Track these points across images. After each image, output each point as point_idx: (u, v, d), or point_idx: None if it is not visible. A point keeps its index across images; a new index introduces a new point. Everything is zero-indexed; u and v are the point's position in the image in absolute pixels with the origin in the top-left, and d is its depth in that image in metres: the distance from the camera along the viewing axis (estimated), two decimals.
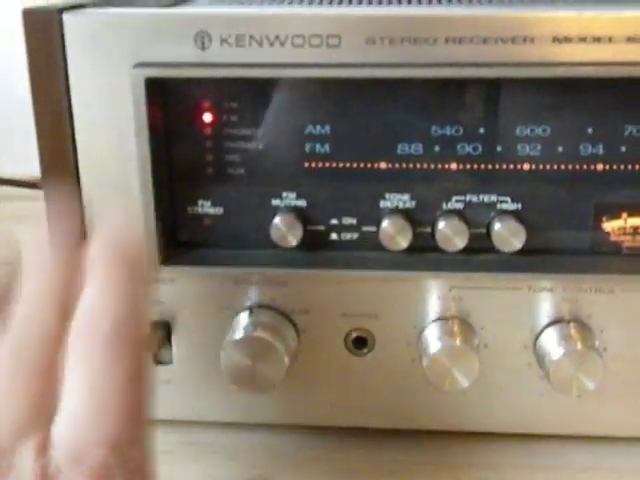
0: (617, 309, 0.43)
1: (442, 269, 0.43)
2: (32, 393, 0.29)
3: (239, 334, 0.43)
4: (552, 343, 0.43)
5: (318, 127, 0.43)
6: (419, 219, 0.43)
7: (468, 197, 0.43)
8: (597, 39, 0.39)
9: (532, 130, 0.42)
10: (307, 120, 0.43)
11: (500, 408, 0.46)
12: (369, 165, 0.43)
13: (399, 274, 0.44)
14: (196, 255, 0.45)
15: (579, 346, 0.42)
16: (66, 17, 0.40)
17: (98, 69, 0.41)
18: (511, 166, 0.43)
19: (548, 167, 0.42)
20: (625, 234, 0.44)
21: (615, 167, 0.42)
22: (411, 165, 0.43)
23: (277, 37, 0.40)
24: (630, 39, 0.39)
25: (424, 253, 0.43)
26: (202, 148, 0.43)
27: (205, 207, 0.44)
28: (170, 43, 0.40)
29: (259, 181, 0.44)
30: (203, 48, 0.40)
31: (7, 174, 0.88)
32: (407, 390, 0.46)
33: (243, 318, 0.44)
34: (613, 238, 0.44)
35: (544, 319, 0.44)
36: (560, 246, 0.44)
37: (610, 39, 0.39)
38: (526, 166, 0.43)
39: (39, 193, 0.43)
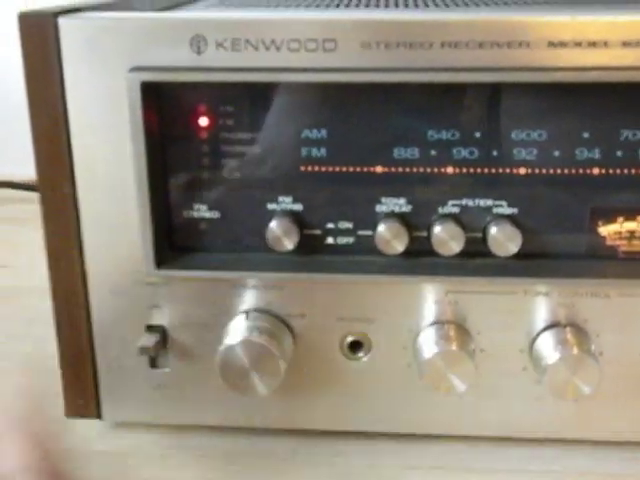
0: (613, 313, 0.43)
1: (438, 273, 0.43)
2: None
3: (235, 338, 0.43)
4: (548, 347, 0.43)
5: (314, 131, 0.43)
6: (415, 223, 0.43)
7: (464, 201, 0.43)
8: (592, 44, 0.39)
9: (528, 134, 0.42)
10: (303, 124, 0.43)
11: (496, 412, 0.46)
12: (365, 169, 0.43)
13: (395, 278, 0.44)
14: (192, 259, 0.45)
15: (575, 350, 0.42)
16: (62, 21, 0.40)
17: (94, 73, 0.41)
18: (507, 170, 0.43)
19: (544, 171, 0.42)
20: (621, 238, 0.44)
21: (611, 171, 0.42)
22: (407, 169, 0.43)
23: (273, 41, 0.40)
24: (625, 44, 0.39)
25: (420, 257, 0.43)
26: (198, 152, 0.43)
27: (201, 211, 0.44)
28: (166, 47, 0.40)
29: (255, 185, 0.44)
30: (199, 52, 0.40)
31: (5, 176, 0.88)
32: (403, 394, 0.46)
33: (239, 322, 0.44)
34: (609, 242, 0.44)
35: (540, 323, 0.44)
36: (556, 250, 0.44)
37: (605, 44, 0.39)
38: (522, 170, 0.43)
39: (37, 196, 0.44)
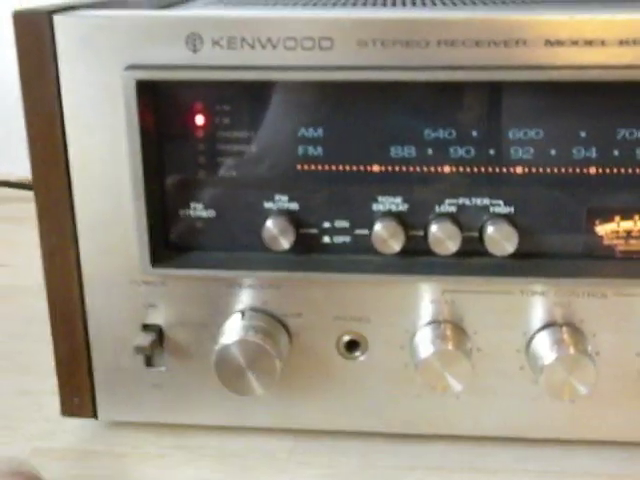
0: (610, 313, 0.43)
1: (435, 273, 0.43)
2: None
3: (231, 337, 0.43)
4: (545, 347, 0.43)
5: (311, 130, 0.43)
6: (412, 222, 0.43)
7: (461, 200, 0.43)
8: (589, 42, 0.39)
9: (525, 133, 0.42)
10: (300, 123, 0.43)
11: (493, 412, 0.46)
12: (362, 168, 0.43)
13: (391, 277, 0.43)
14: (188, 258, 0.44)
15: (572, 350, 0.42)
16: (57, 19, 0.40)
17: (89, 71, 0.41)
18: (504, 169, 0.42)
19: (541, 170, 0.42)
20: (618, 238, 0.43)
21: (608, 170, 0.42)
22: (404, 168, 0.43)
23: (269, 40, 0.40)
24: (622, 42, 0.39)
25: (417, 256, 0.43)
26: (194, 151, 0.43)
27: (197, 210, 0.44)
28: (162, 45, 0.40)
29: (251, 184, 0.44)
30: (195, 50, 0.40)
31: (2, 175, 0.88)
32: (399, 394, 0.46)
33: (235, 321, 0.44)
34: (606, 242, 0.43)
35: (537, 323, 0.44)
36: (553, 250, 0.44)
37: (603, 42, 0.39)
38: (519, 169, 0.42)
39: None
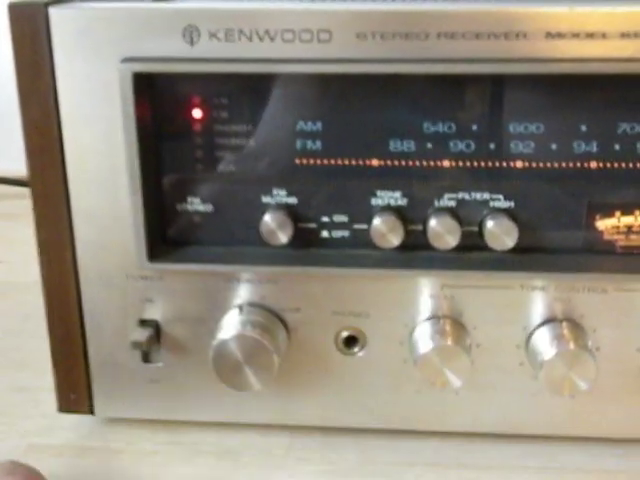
0: (610, 308, 0.43)
1: (434, 267, 0.43)
2: None
3: (229, 333, 0.43)
4: (544, 343, 0.42)
5: (309, 123, 0.42)
6: (411, 217, 0.43)
7: (460, 195, 0.43)
8: (590, 35, 0.38)
9: (525, 127, 0.42)
10: (298, 116, 0.42)
11: (492, 408, 0.45)
12: (361, 162, 0.43)
13: (390, 272, 0.43)
14: (185, 252, 0.44)
15: (572, 346, 0.42)
16: (52, 11, 0.40)
17: (85, 64, 0.40)
18: (504, 164, 0.42)
19: (541, 165, 0.42)
20: (619, 233, 0.43)
21: (609, 165, 0.42)
22: (403, 162, 0.42)
23: (267, 32, 0.39)
24: (624, 35, 0.38)
25: (416, 251, 0.43)
26: (191, 144, 0.43)
27: (194, 204, 0.44)
28: (158, 38, 0.40)
29: (249, 178, 0.43)
30: (192, 43, 0.40)
31: None
32: (398, 390, 0.45)
33: (233, 316, 0.44)
34: (606, 237, 0.43)
35: (536, 318, 0.43)
36: (553, 245, 0.43)
37: (604, 35, 0.38)
38: (519, 164, 0.42)
39: None
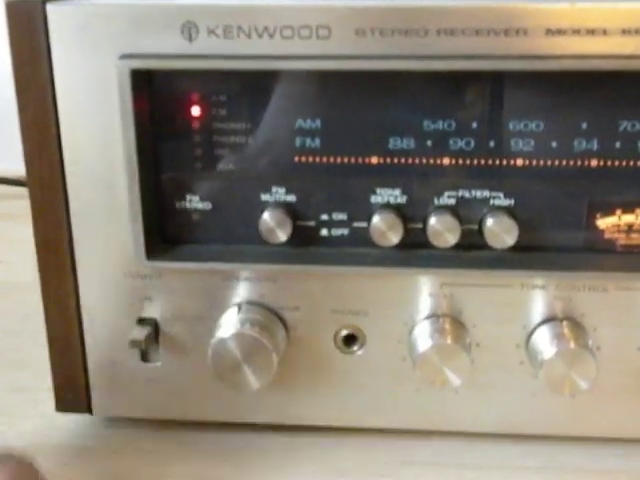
0: (611, 307, 0.43)
1: (433, 265, 0.43)
2: None
3: (227, 331, 0.43)
4: (545, 342, 0.42)
5: (308, 121, 0.42)
6: (410, 215, 0.43)
7: (460, 193, 0.43)
8: (591, 31, 0.38)
9: (526, 125, 0.41)
10: (297, 114, 0.42)
11: (491, 408, 0.45)
12: (360, 160, 0.42)
13: (390, 270, 0.43)
14: (183, 251, 0.44)
15: (572, 345, 0.42)
16: (50, 8, 0.40)
17: (83, 61, 0.40)
18: (504, 161, 0.42)
19: (542, 163, 0.42)
20: (619, 231, 0.43)
21: (609, 163, 0.42)
22: (403, 160, 0.42)
23: (266, 28, 0.39)
24: (625, 31, 0.38)
25: (415, 249, 0.43)
26: (190, 142, 0.43)
27: (193, 202, 0.44)
28: (157, 34, 0.39)
29: (248, 176, 0.43)
30: (190, 39, 0.39)
31: None
32: (397, 389, 0.45)
33: (231, 315, 0.44)
34: (607, 235, 0.43)
35: (537, 317, 0.43)
36: (553, 243, 0.43)
37: (605, 31, 0.38)
38: (519, 162, 0.42)
39: None
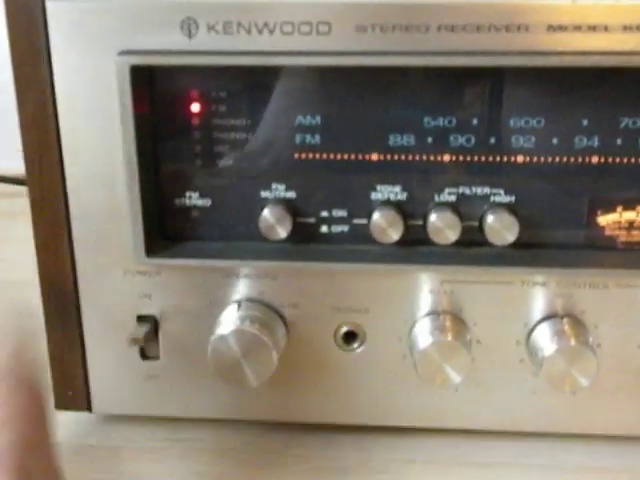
0: (611, 304, 0.43)
1: (434, 262, 0.42)
2: None
3: (227, 328, 0.42)
4: (545, 339, 0.42)
5: (308, 117, 0.42)
6: (411, 211, 0.43)
7: (461, 189, 0.42)
8: (593, 28, 0.38)
9: (526, 122, 0.41)
10: (297, 110, 0.42)
11: (492, 405, 0.45)
12: (360, 156, 0.42)
13: (390, 267, 0.43)
14: (183, 247, 0.44)
15: (573, 342, 0.41)
16: (49, 4, 0.39)
17: (82, 57, 0.40)
18: (505, 158, 0.42)
19: (542, 159, 0.42)
20: (620, 229, 0.43)
21: (610, 160, 0.42)
22: (403, 157, 0.42)
23: (266, 24, 0.39)
24: (626, 28, 0.38)
25: (415, 246, 0.43)
26: (189, 138, 0.42)
27: (193, 199, 0.44)
28: (156, 30, 0.39)
29: (248, 172, 0.43)
30: (190, 35, 0.39)
31: None
32: (397, 386, 0.45)
33: (231, 312, 0.43)
34: (608, 232, 0.43)
35: (537, 314, 0.43)
36: (554, 240, 0.43)
37: (606, 28, 0.38)
38: (520, 158, 0.42)
39: None
